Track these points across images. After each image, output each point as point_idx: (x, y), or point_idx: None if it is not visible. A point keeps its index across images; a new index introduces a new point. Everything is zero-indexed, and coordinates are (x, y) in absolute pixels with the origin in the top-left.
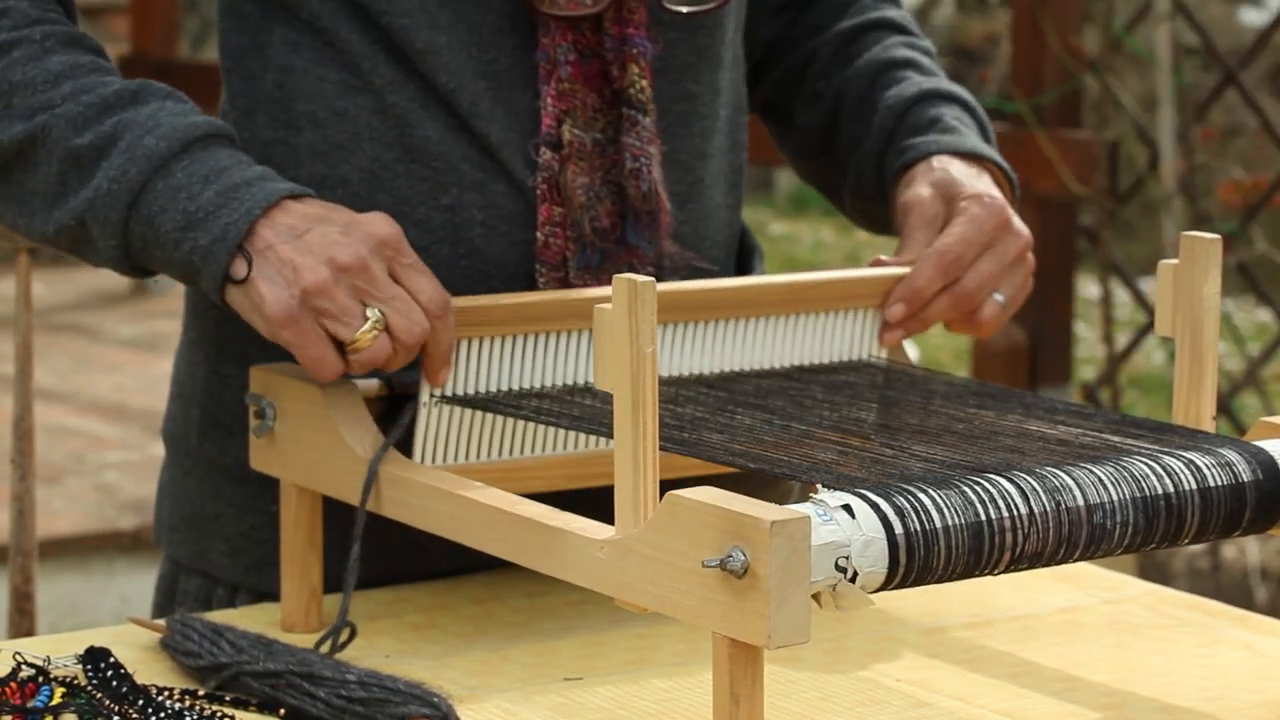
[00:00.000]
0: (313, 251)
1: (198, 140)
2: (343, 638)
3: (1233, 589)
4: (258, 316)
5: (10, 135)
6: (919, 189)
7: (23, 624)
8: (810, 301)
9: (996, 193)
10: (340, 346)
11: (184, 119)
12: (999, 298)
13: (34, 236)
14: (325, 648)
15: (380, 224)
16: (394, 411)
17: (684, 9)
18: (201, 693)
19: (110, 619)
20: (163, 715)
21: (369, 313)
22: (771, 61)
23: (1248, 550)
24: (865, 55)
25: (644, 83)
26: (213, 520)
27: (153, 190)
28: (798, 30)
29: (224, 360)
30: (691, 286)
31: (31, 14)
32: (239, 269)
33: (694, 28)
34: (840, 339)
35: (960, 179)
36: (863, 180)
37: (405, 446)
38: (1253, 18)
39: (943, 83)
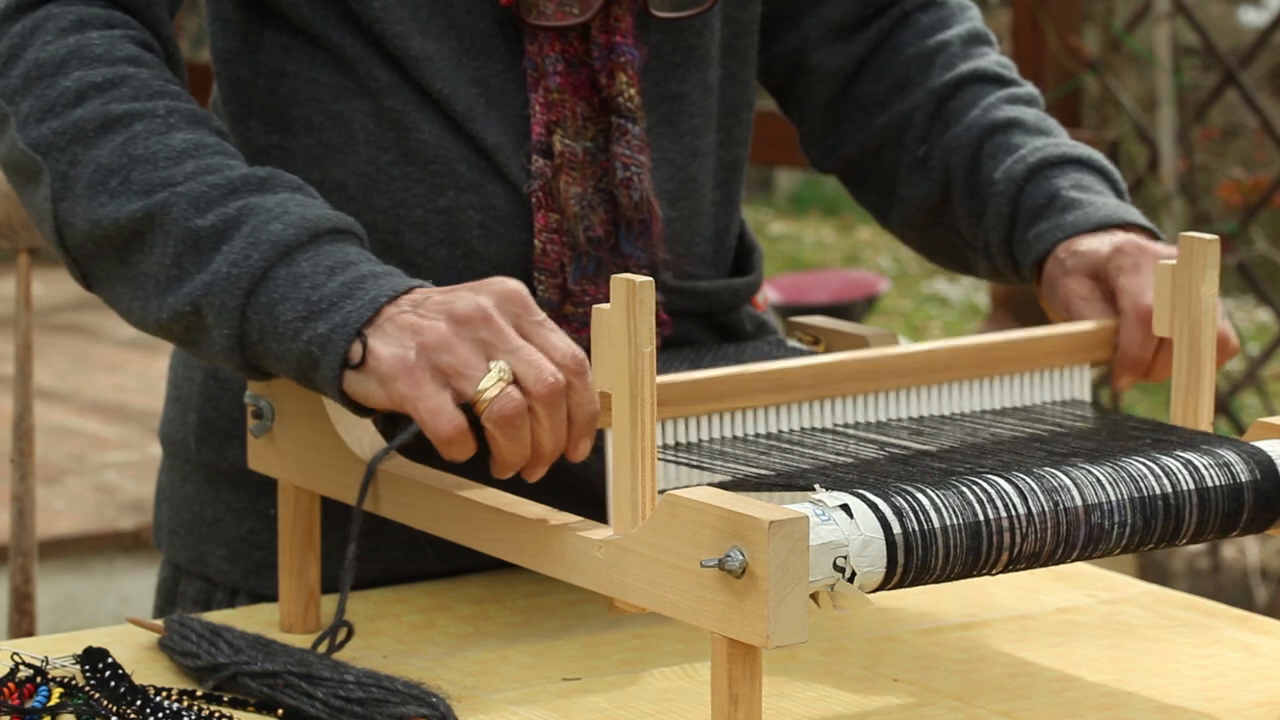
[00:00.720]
0: (432, 312)
1: (326, 234)
2: (340, 637)
3: (1233, 589)
4: (374, 383)
5: (128, 212)
6: (1064, 284)
7: (23, 624)
8: (1006, 363)
9: (1129, 238)
10: (466, 410)
11: (313, 210)
12: None
13: (148, 325)
14: (323, 647)
15: (504, 281)
16: (392, 412)
17: (670, 15)
18: (199, 693)
19: (110, 619)
20: (161, 715)
21: (492, 365)
22: (854, 119)
23: (1248, 550)
24: (965, 119)
25: (632, 91)
26: (211, 525)
27: (274, 278)
28: (883, 85)
29: None
30: (884, 353)
31: (153, 85)
32: (356, 352)
33: (679, 29)
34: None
35: (1092, 250)
36: (997, 265)
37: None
38: (1253, 18)
39: (1050, 144)
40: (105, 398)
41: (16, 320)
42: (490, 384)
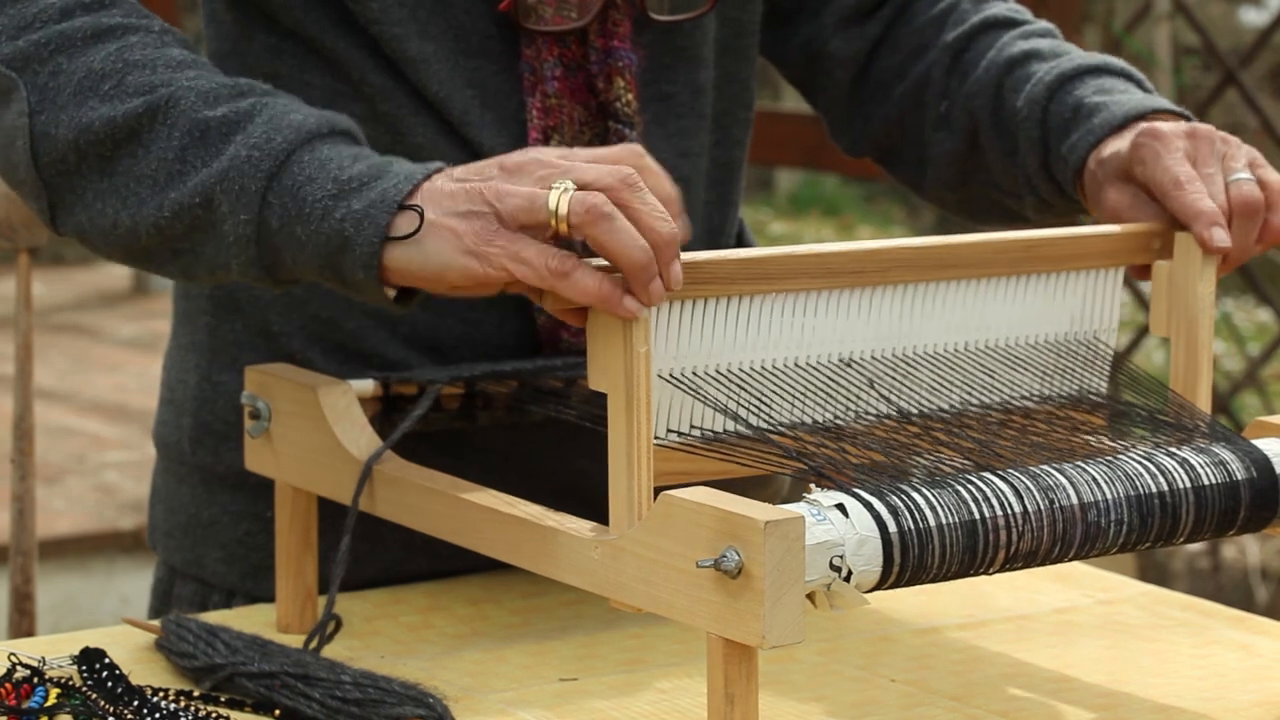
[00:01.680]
0: (474, 172)
1: (343, 131)
2: (329, 629)
3: (1233, 589)
4: (434, 249)
5: (125, 110)
6: (1106, 197)
7: (23, 624)
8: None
9: (1147, 126)
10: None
11: (329, 110)
12: (1243, 174)
13: (140, 230)
14: (313, 643)
15: (535, 149)
16: (389, 412)
17: (668, 18)
18: (196, 693)
19: (110, 619)
20: (158, 716)
21: (554, 186)
22: (876, 96)
23: (1248, 550)
24: (982, 63)
25: (629, 96)
26: (207, 527)
27: (299, 161)
28: (899, 56)
29: (215, 367)
30: (925, 243)
31: (143, 10)
32: (405, 224)
33: (671, 30)
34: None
35: (1116, 153)
36: (1043, 196)
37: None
38: (1253, 18)
39: (1066, 61)
40: (105, 398)
41: (16, 320)
42: (557, 197)
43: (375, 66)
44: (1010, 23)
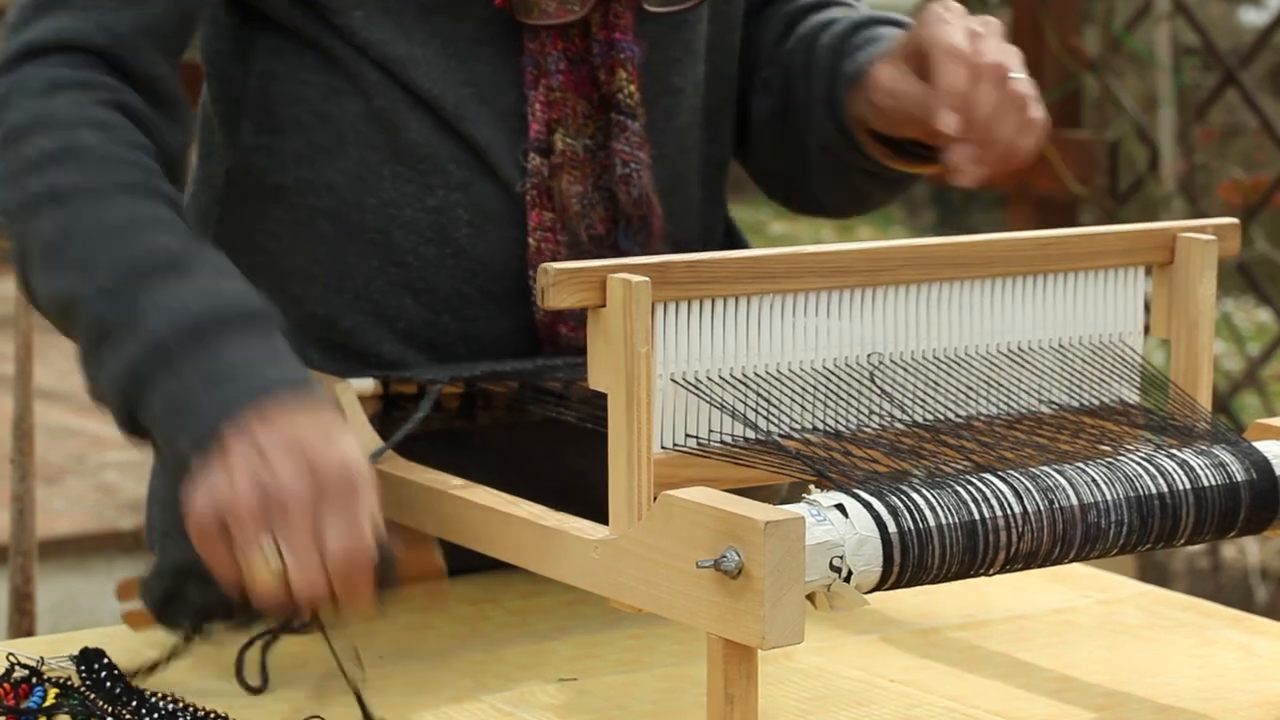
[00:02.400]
0: (251, 468)
1: (211, 328)
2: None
3: (1233, 589)
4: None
5: (58, 289)
6: (874, 74)
7: (23, 624)
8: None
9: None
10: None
11: (207, 300)
12: (1018, 74)
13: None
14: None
15: (345, 461)
16: (389, 411)
17: (663, 9)
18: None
19: (110, 619)
20: (156, 716)
21: (268, 551)
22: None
23: (1248, 550)
24: (803, 25)
25: (632, 87)
26: None
27: (152, 389)
28: (746, 46)
29: None
30: (939, 242)
31: (106, 154)
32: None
33: (678, 24)
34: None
35: (887, 47)
36: (824, 132)
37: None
38: (1253, 18)
39: (878, 13)
40: None
41: (16, 320)
42: (258, 569)
43: (370, 65)
44: (845, 4)
